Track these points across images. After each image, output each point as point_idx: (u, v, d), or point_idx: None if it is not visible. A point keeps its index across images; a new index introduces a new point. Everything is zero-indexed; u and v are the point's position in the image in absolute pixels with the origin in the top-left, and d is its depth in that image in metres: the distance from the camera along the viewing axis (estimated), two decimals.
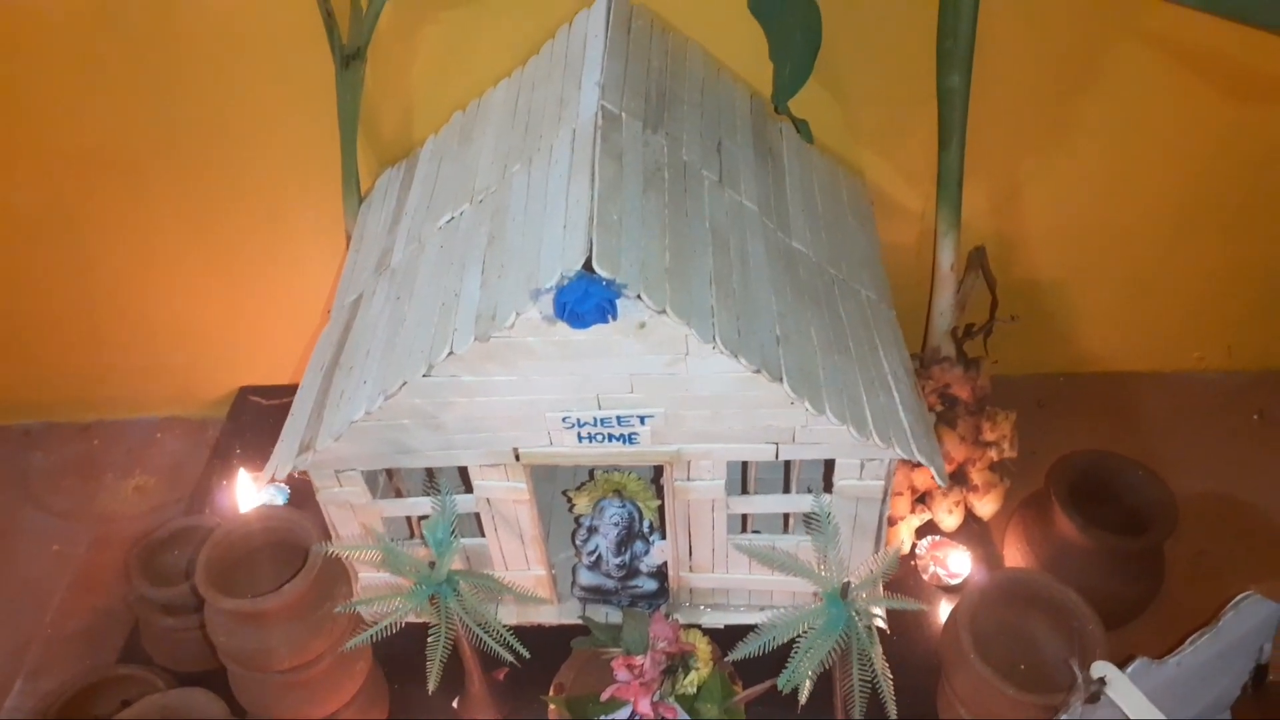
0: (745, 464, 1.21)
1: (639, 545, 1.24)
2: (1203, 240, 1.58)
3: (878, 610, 1.23)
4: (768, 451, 1.09)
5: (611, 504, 1.21)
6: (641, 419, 1.05)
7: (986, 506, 1.45)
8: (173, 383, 1.79)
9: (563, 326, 0.95)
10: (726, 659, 1.13)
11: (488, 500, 1.17)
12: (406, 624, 1.08)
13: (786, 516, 1.24)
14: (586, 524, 1.24)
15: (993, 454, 1.46)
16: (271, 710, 1.10)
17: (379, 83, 1.40)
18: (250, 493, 1.45)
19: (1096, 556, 1.26)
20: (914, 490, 1.45)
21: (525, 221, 1.04)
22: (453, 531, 1.06)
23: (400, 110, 1.44)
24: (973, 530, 1.46)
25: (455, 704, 1.28)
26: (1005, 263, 1.58)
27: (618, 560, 1.24)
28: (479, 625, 1.10)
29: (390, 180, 1.42)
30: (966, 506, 1.46)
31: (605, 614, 1.29)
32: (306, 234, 1.56)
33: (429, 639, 1.09)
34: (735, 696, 1.22)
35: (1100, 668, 1.03)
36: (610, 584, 1.27)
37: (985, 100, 1.34)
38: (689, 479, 1.13)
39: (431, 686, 1.11)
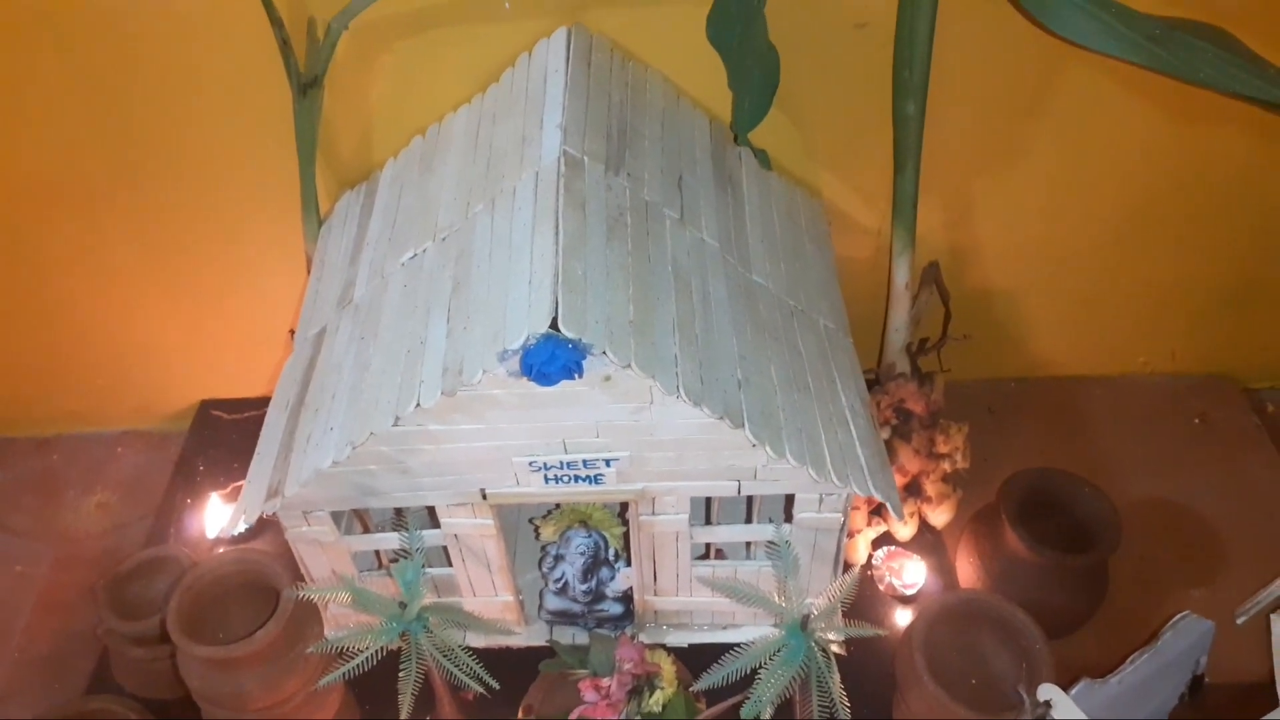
0: (709, 498, 1.24)
1: (605, 572, 1.27)
2: (1148, 253, 1.62)
3: (836, 636, 1.27)
4: (730, 488, 1.12)
5: (578, 534, 1.24)
6: (607, 462, 1.08)
7: (940, 516, 1.50)
8: (133, 397, 1.78)
9: (528, 383, 0.97)
10: (692, 689, 1.17)
11: (455, 535, 1.19)
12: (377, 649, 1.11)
13: (749, 544, 1.27)
14: (553, 552, 1.27)
15: (946, 465, 1.51)
16: None
17: (338, 108, 1.39)
18: (217, 518, 1.46)
19: (1044, 571, 1.32)
20: (870, 503, 1.50)
21: (490, 271, 1.05)
22: (422, 570, 1.09)
23: (359, 134, 1.44)
24: (927, 540, 1.51)
25: None
26: (959, 275, 1.62)
27: (584, 587, 1.27)
28: (448, 658, 1.13)
29: (350, 204, 1.42)
30: (921, 517, 1.51)
31: (572, 635, 1.32)
32: (266, 253, 1.56)
33: (400, 672, 1.12)
34: (699, 716, 1.26)
35: (1045, 690, 1.08)
36: (577, 608, 1.31)
37: (939, 124, 1.36)
38: (654, 514, 1.16)
39: (404, 716, 1.14)
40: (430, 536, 1.18)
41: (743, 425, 1.03)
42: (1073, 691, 1.08)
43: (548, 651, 1.32)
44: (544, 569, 1.29)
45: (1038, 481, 1.38)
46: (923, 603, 1.30)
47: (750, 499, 1.30)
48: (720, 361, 1.07)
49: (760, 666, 1.08)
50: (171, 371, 1.74)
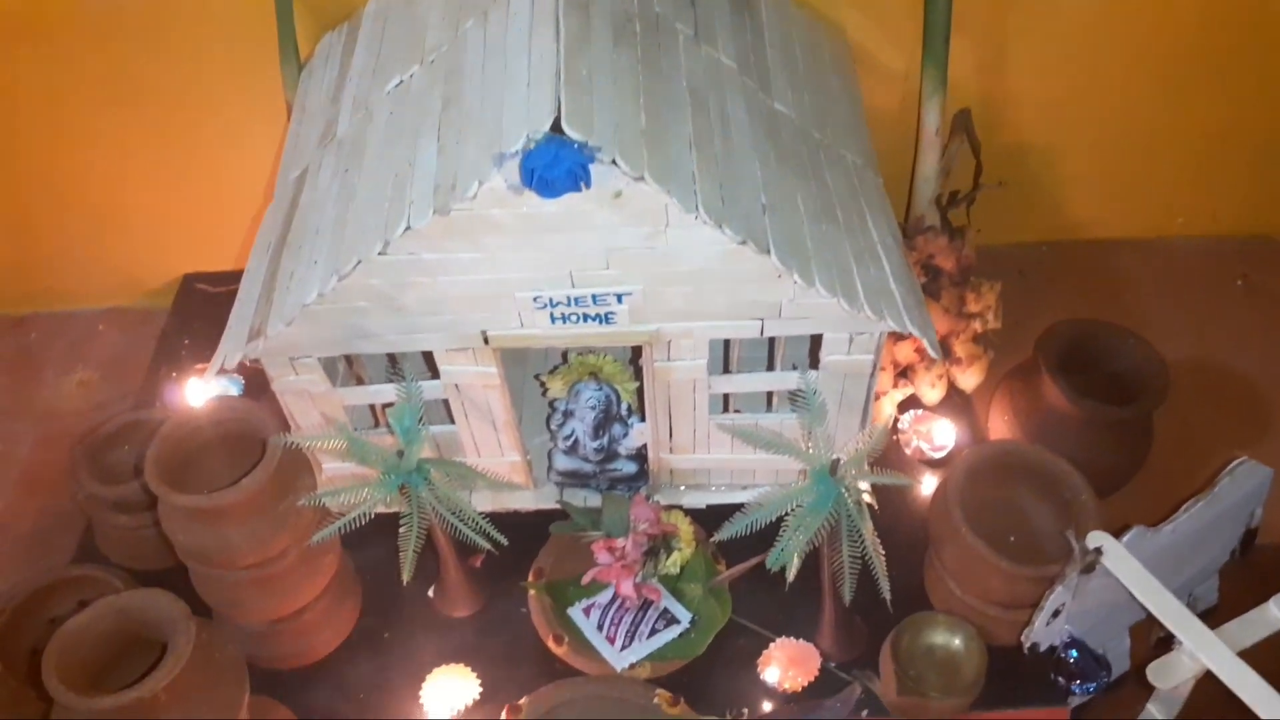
0: (728, 342, 1.15)
1: (617, 428, 1.19)
2: (1191, 101, 1.51)
3: (865, 486, 1.19)
4: (752, 328, 1.03)
5: (588, 387, 1.15)
6: (619, 297, 0.99)
7: (970, 379, 1.41)
8: (114, 271, 1.68)
9: (530, 197, 0.87)
10: (711, 540, 1.10)
11: (456, 386, 1.10)
12: (377, 516, 1.03)
13: (770, 394, 1.19)
14: (562, 408, 1.18)
15: (977, 325, 1.42)
16: (237, 607, 1.05)
17: None
18: (201, 386, 1.38)
19: (1086, 426, 1.23)
20: (896, 365, 1.41)
21: (483, 82, 0.94)
22: (420, 419, 1.00)
23: None
24: (956, 404, 1.42)
25: (431, 593, 1.24)
26: (990, 127, 1.51)
27: (595, 444, 1.19)
28: (453, 513, 1.05)
29: (332, 45, 1.30)
30: (949, 380, 1.42)
31: (584, 498, 1.25)
32: (242, 105, 1.44)
33: (401, 529, 1.04)
34: (719, 575, 1.19)
35: (1096, 538, 1.01)
36: (588, 468, 1.22)
37: None
38: (669, 359, 1.07)
39: (406, 578, 1.06)
40: (430, 388, 1.09)
41: (768, 251, 0.94)
42: (1125, 538, 1.00)
43: (558, 514, 1.25)
44: (552, 426, 1.20)
45: (1076, 333, 1.29)
46: (958, 455, 1.22)
47: (771, 348, 1.21)
48: (742, 184, 0.97)
49: (785, 516, 1.01)
50: (153, 244, 1.64)
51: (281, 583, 1.06)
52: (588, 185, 0.85)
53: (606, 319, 1.01)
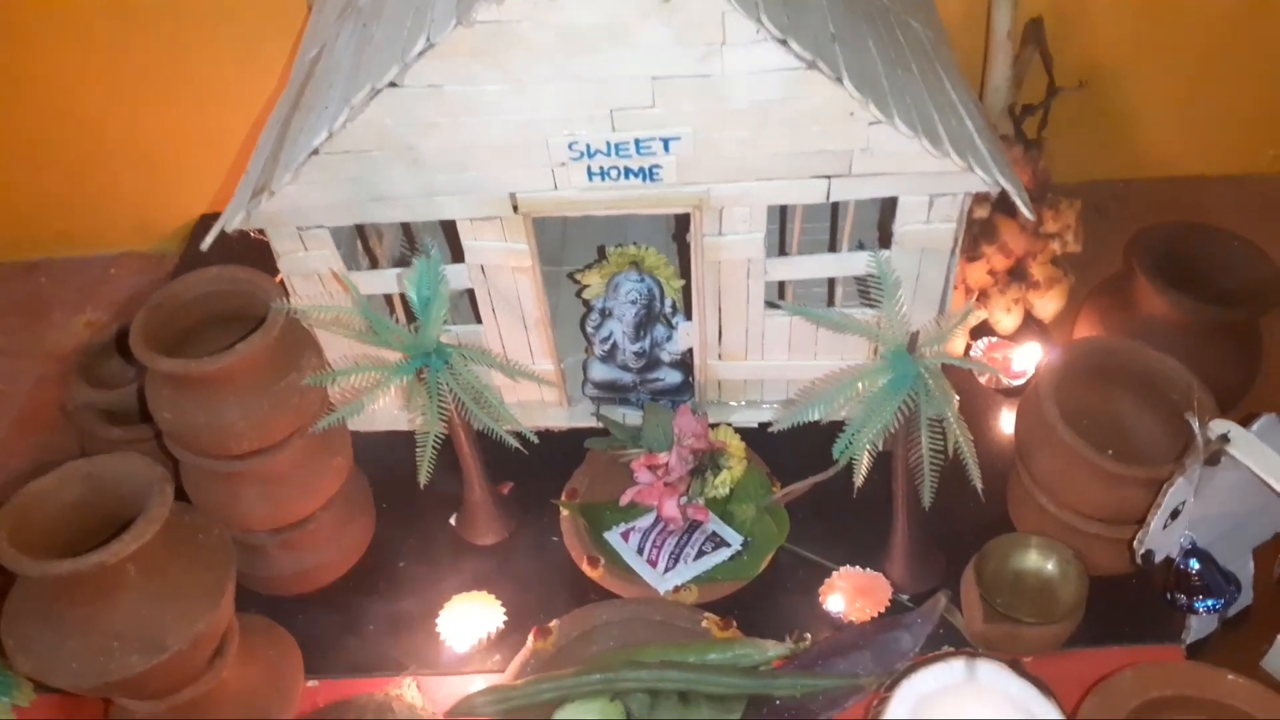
0: (785, 216, 1.03)
1: (660, 329, 1.07)
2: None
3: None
4: (817, 190, 0.91)
5: (628, 278, 1.03)
6: (665, 144, 0.87)
7: (1049, 305, 1.28)
8: (127, 214, 1.59)
9: (564, 4, 0.76)
10: (772, 428, 0.96)
11: (482, 269, 0.99)
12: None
13: (831, 289, 1.06)
14: (599, 306, 1.06)
15: (1055, 246, 1.28)
16: (231, 508, 0.93)
17: None
18: None
19: (1191, 335, 1.08)
20: (968, 289, 1.28)
21: None
22: (441, 283, 0.88)
23: None
24: (1033, 334, 1.28)
25: (453, 520, 1.11)
26: (1062, 42, 1.39)
27: (635, 347, 1.07)
28: (476, 402, 0.93)
29: None
30: (1026, 306, 1.29)
31: (623, 415, 1.12)
32: (267, 36, 1.36)
33: (419, 421, 0.92)
34: (774, 493, 1.05)
35: (1221, 425, 0.86)
36: (627, 378, 1.10)
37: None
38: (720, 233, 0.94)
39: (422, 479, 0.94)
40: (453, 275, 0.98)
41: (840, 77, 0.82)
42: (1254, 426, 0.86)
43: (594, 434, 1.12)
44: (588, 329, 1.08)
45: (1173, 238, 1.15)
46: (1051, 352, 1.07)
47: (833, 231, 1.09)
48: (808, 11, 0.85)
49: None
50: (167, 182, 1.56)
51: (283, 481, 0.94)
52: None
53: (651, 175, 0.89)
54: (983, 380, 1.24)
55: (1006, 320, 1.28)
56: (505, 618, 1.01)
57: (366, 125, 0.85)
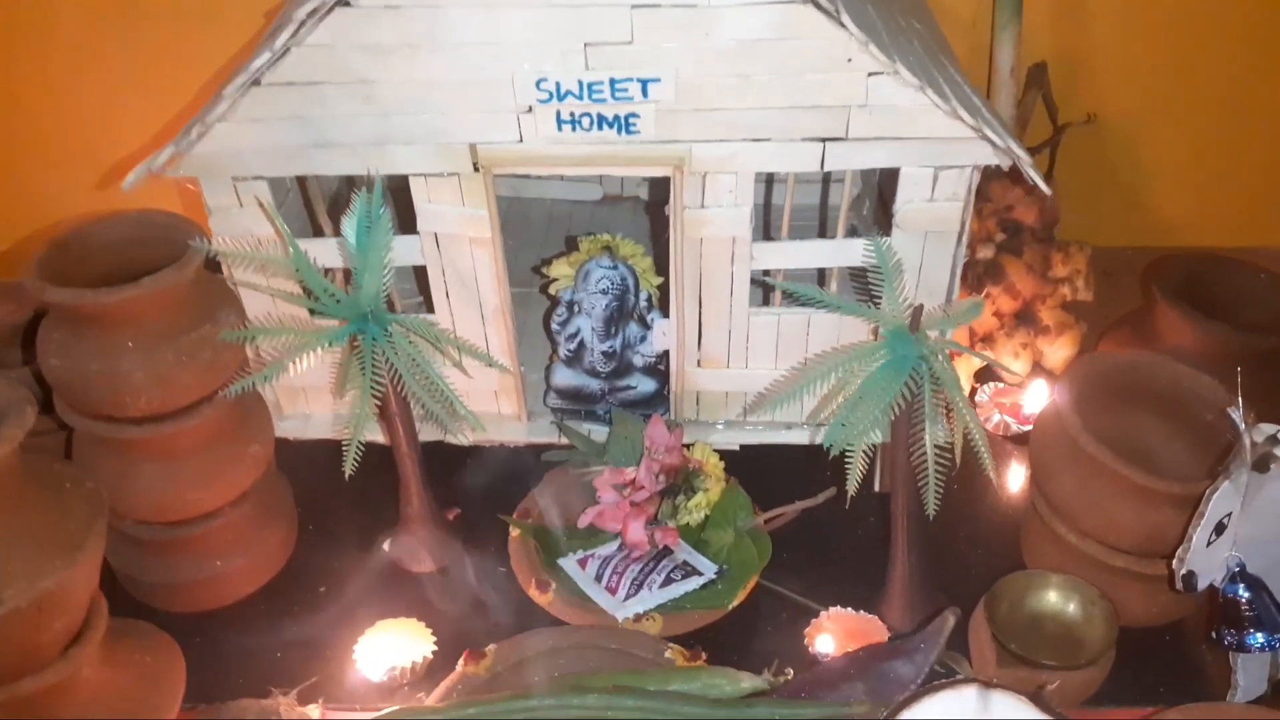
0: (770, 200, 0.94)
1: (633, 328, 0.96)
2: None
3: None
4: (810, 156, 0.82)
5: (600, 264, 0.93)
6: (644, 86, 0.78)
7: (1059, 352, 1.18)
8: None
9: None
10: (745, 418, 0.84)
11: (436, 239, 0.89)
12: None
13: (822, 283, 0.95)
14: (566, 298, 0.95)
15: (1065, 291, 1.19)
16: (123, 488, 0.80)
17: None
18: None
19: (1220, 367, 0.97)
20: (974, 333, 1.18)
21: None
22: (382, 217, 0.78)
23: None
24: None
25: (386, 546, 0.97)
26: (1067, 92, 1.34)
27: (605, 346, 0.96)
28: (417, 380, 0.81)
29: None
30: (1034, 354, 1.19)
31: (588, 431, 1.00)
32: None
33: (347, 392, 0.81)
34: (756, 518, 0.92)
35: (1271, 427, 0.75)
36: (594, 385, 0.98)
37: None
38: (703, 204, 0.85)
39: (348, 470, 0.82)
40: (402, 246, 0.88)
41: (836, 11, 0.74)
42: None
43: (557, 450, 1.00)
44: (553, 326, 0.97)
45: (1192, 269, 1.06)
46: (1069, 365, 0.97)
47: (824, 220, 0.99)
48: None
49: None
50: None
51: (187, 460, 0.82)
52: None
53: (627, 126, 0.80)
54: (990, 427, 1.13)
55: (1016, 366, 1.17)
56: (435, 648, 0.87)
57: (314, 51, 0.77)
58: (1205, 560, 0.75)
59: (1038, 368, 1.18)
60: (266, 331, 0.80)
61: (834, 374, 0.77)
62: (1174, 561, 0.75)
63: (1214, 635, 0.77)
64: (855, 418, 0.76)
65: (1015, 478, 1.08)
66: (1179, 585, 0.75)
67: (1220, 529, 0.75)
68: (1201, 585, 0.76)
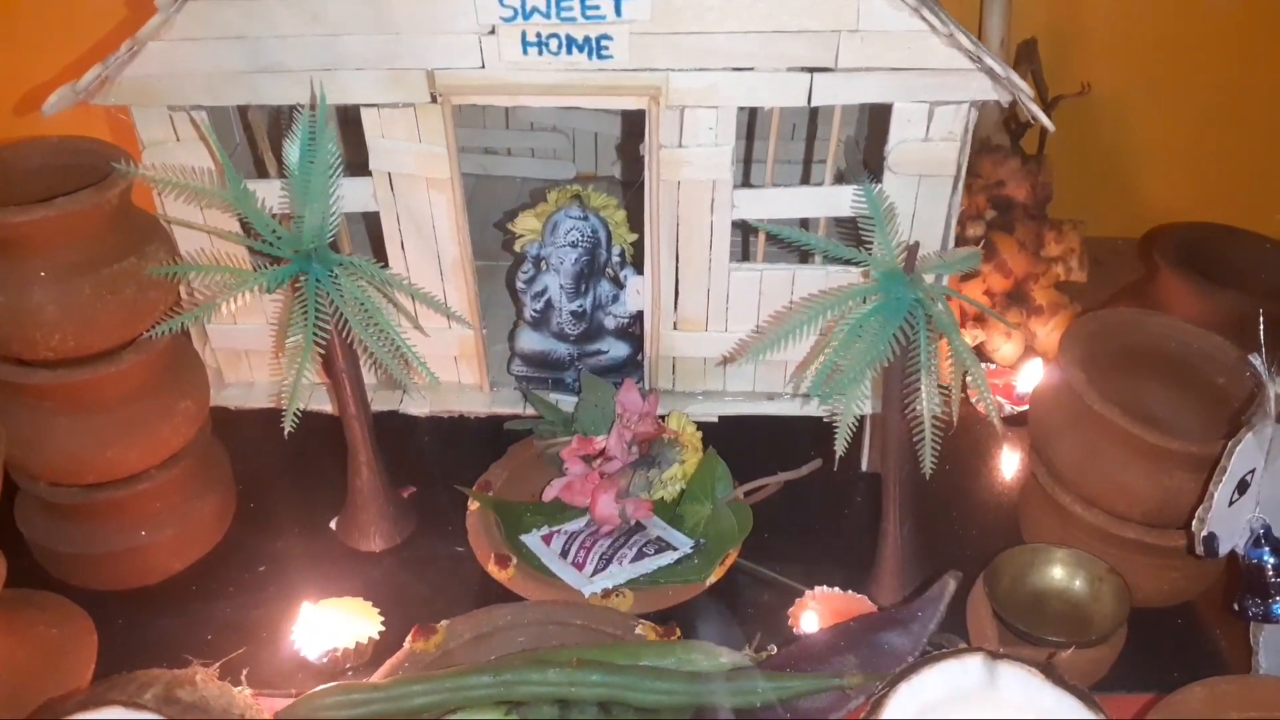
0: (751, 140, 0.88)
1: (604, 287, 0.89)
2: None
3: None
4: (797, 89, 0.76)
5: (569, 214, 0.86)
6: (617, 2, 0.72)
7: (1053, 333, 1.12)
8: None
9: None
10: (724, 363, 0.77)
11: (390, 180, 0.82)
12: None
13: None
14: (532, 253, 0.88)
15: (1059, 271, 1.14)
16: (37, 443, 0.72)
17: None
18: None
19: (1224, 332, 0.92)
20: (964, 313, 1.12)
21: None
22: (328, 152, 0.71)
23: None
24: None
25: (334, 524, 0.89)
26: (1058, 72, 1.29)
27: (574, 305, 0.89)
28: (366, 325, 0.74)
29: None
30: (1027, 336, 1.13)
31: (555, 401, 0.92)
32: None
33: (288, 342, 0.73)
34: (735, 490, 0.85)
35: None
36: (562, 350, 0.91)
37: None
38: (681, 143, 0.79)
39: (287, 427, 0.74)
40: (353, 189, 0.81)
41: None
42: None
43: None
44: (518, 284, 0.90)
45: (1194, 238, 1.01)
46: (1071, 323, 0.90)
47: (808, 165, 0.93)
48: None
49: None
50: None
51: (108, 413, 0.73)
52: None
53: (599, 49, 0.74)
54: (981, 408, 1.06)
55: (1006, 348, 1.11)
56: (383, 628, 0.79)
57: None
58: (1227, 522, 0.68)
59: (1030, 353, 1.13)
60: (199, 268, 0.73)
61: (822, 317, 0.70)
62: (1193, 523, 0.69)
63: (1236, 607, 0.71)
64: (846, 364, 0.69)
65: (1009, 461, 1.02)
66: (1199, 549, 0.68)
67: (1243, 487, 0.68)
68: (1223, 550, 0.69)
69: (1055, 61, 1.28)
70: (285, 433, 0.75)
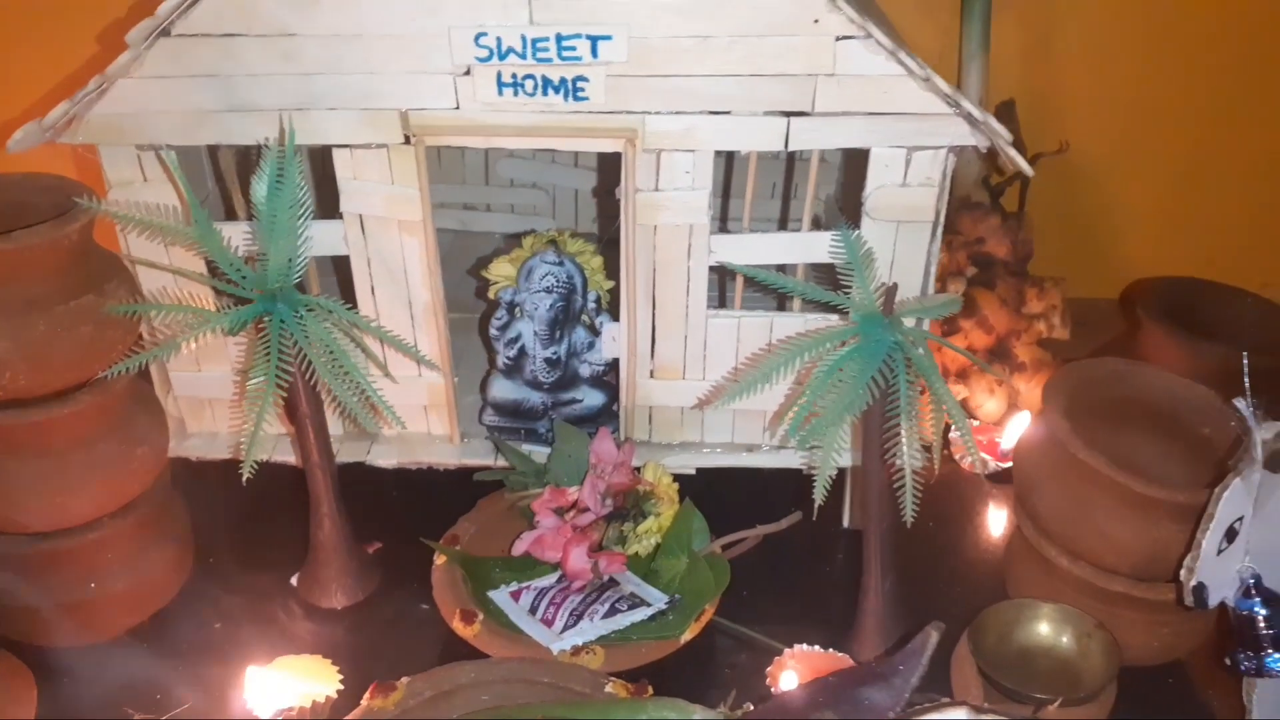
0: (731, 169, 0.87)
1: (580, 334, 0.87)
2: (1274, 116, 1.31)
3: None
4: (774, 133, 0.76)
5: (545, 259, 0.85)
6: (593, 44, 0.72)
7: (1036, 391, 1.10)
8: None
9: None
10: (700, 409, 0.75)
11: (361, 223, 0.80)
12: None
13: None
14: (506, 299, 0.87)
15: (1041, 327, 1.13)
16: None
17: None
18: None
19: (1209, 385, 0.91)
20: (946, 369, 1.11)
21: None
22: (297, 186, 0.70)
23: None
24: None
25: (294, 580, 0.86)
26: (1036, 133, 1.30)
27: (549, 353, 0.87)
28: (329, 367, 0.71)
29: None
30: (1010, 394, 1.12)
31: (528, 452, 0.90)
32: None
33: (249, 385, 0.71)
34: (713, 543, 0.82)
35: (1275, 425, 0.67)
36: (536, 399, 0.89)
37: None
38: (658, 186, 0.78)
39: (246, 472, 0.72)
40: (325, 235, 0.80)
41: None
42: None
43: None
44: (492, 331, 0.88)
45: (1177, 293, 1.01)
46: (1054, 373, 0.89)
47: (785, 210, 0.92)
48: None
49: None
50: None
51: (61, 458, 0.71)
52: None
53: (575, 91, 0.74)
54: (966, 465, 1.04)
55: (990, 404, 1.10)
56: (341, 687, 0.75)
57: None
58: (1217, 571, 0.66)
59: (1015, 407, 1.11)
60: (159, 307, 0.71)
61: (800, 359, 0.68)
62: (1182, 572, 0.66)
63: (1229, 661, 0.68)
64: (824, 407, 0.67)
65: (994, 517, 1.00)
66: (1188, 599, 0.66)
67: (1231, 535, 0.66)
68: (1213, 600, 0.66)
69: (1033, 122, 1.29)
70: (244, 479, 0.72)
